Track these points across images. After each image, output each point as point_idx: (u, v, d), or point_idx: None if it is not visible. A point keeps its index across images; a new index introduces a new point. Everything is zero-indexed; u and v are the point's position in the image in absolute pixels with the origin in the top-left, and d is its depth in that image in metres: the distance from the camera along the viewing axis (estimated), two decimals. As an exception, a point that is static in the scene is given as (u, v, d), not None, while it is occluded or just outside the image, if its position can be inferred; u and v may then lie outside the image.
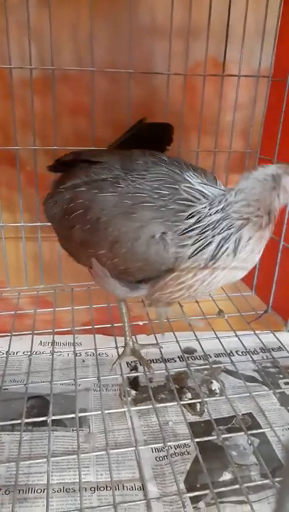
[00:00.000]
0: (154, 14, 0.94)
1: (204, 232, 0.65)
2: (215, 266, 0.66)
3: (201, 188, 0.69)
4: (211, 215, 0.66)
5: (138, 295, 0.74)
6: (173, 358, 0.98)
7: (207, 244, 0.65)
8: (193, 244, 0.65)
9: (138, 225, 0.66)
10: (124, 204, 0.67)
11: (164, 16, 0.93)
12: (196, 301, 1.07)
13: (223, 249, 0.65)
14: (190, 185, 0.69)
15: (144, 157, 0.75)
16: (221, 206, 0.66)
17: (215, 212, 0.66)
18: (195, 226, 0.65)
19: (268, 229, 0.68)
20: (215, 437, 0.73)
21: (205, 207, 0.67)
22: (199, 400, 0.82)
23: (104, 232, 0.68)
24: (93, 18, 0.87)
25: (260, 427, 0.79)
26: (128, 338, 0.91)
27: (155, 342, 0.95)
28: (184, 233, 0.65)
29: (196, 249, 0.65)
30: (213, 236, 0.65)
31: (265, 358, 0.99)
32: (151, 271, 0.68)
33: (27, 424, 0.77)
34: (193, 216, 0.66)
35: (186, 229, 0.65)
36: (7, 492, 0.66)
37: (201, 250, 0.65)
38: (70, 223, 0.75)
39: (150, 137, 0.88)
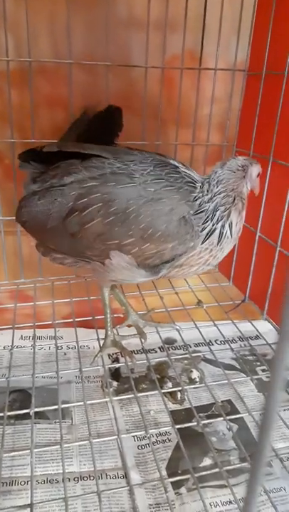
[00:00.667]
0: (132, 7, 0.94)
1: (206, 222, 0.76)
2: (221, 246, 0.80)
3: (190, 173, 0.79)
4: (206, 202, 0.76)
5: (156, 277, 0.80)
6: (154, 349, 0.99)
7: (213, 231, 0.77)
8: (203, 223, 0.76)
9: (169, 208, 0.73)
10: (149, 192, 0.73)
11: (141, 8, 0.93)
12: (176, 293, 1.09)
13: (224, 233, 0.78)
14: (184, 170, 0.78)
15: (129, 149, 0.81)
16: (209, 196, 0.77)
17: (208, 201, 0.77)
18: (201, 209, 0.76)
19: (244, 211, 0.82)
20: (195, 424, 0.75)
21: (200, 191, 0.77)
22: (180, 389, 0.84)
23: (136, 221, 0.72)
24: (70, 10, 0.87)
25: (239, 413, 0.81)
26: (109, 329, 0.92)
27: (136, 332, 0.96)
28: (196, 214, 0.75)
29: (208, 231, 0.77)
30: (213, 225, 0.77)
31: (242, 346, 1.01)
32: (182, 249, 0.76)
33: (9, 417, 0.77)
34: (197, 198, 0.76)
35: (197, 210, 0.75)
36: (-9, 485, 0.67)
37: (211, 234, 0.77)
38: (81, 220, 0.74)
39: (100, 126, 0.88)
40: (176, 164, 0.79)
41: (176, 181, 0.76)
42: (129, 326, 0.99)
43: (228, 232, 0.79)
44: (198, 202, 0.76)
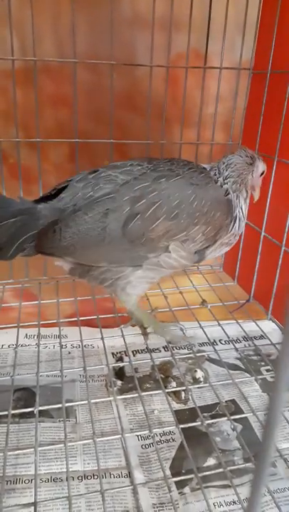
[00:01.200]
0: (136, 6, 0.94)
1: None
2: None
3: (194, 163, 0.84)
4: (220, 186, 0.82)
5: (203, 260, 0.84)
6: (158, 348, 0.99)
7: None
8: None
9: (216, 191, 0.79)
10: (195, 180, 0.76)
11: (145, 7, 0.93)
12: (180, 292, 1.09)
13: (241, 215, 0.85)
14: (186, 160, 0.83)
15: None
16: (220, 180, 0.82)
17: (221, 185, 0.82)
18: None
19: (248, 199, 0.87)
20: (199, 424, 0.74)
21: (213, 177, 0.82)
22: (184, 388, 0.84)
23: (199, 207, 0.75)
24: (75, 10, 0.87)
25: (243, 413, 0.81)
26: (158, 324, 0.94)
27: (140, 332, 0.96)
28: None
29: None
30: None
31: (247, 346, 1.01)
32: (228, 228, 0.82)
33: (14, 415, 0.77)
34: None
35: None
36: (-5, 483, 0.67)
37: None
38: (145, 222, 0.73)
39: None
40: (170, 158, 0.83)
41: (199, 168, 0.80)
42: (133, 325, 0.99)
43: (242, 214, 0.84)
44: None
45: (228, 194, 0.82)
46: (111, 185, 0.74)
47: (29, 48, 0.90)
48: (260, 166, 0.84)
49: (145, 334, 0.95)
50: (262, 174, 0.86)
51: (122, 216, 0.72)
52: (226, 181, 0.82)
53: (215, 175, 0.82)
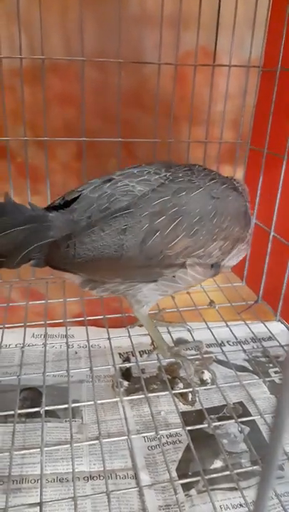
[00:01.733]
0: (144, 3, 0.94)
1: None
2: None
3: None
4: None
5: (215, 274, 0.81)
6: (165, 349, 0.98)
7: None
8: None
9: (237, 203, 0.77)
10: (215, 192, 0.74)
11: (154, 5, 0.92)
12: (188, 292, 1.08)
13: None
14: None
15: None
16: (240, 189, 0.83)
17: None
18: None
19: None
20: (206, 426, 0.74)
21: None
22: (191, 390, 0.83)
23: (219, 223, 0.73)
24: (83, 7, 0.86)
25: (251, 415, 0.80)
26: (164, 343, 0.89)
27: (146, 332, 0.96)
28: None
29: None
30: None
31: (255, 347, 1.00)
32: (245, 238, 0.82)
33: (20, 415, 0.77)
34: None
35: None
36: (1, 483, 0.67)
37: None
38: (164, 240, 0.69)
39: None
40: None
41: (221, 178, 0.78)
42: (140, 325, 0.99)
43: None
44: None
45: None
46: (128, 197, 0.70)
47: (37, 46, 0.89)
48: None
49: (154, 348, 0.94)
50: None
51: (141, 233, 0.68)
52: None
53: (238, 182, 0.82)
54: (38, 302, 1.05)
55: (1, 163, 0.99)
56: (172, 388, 0.83)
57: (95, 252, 0.69)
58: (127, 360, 0.95)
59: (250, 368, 0.93)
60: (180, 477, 0.69)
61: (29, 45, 0.91)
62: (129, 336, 0.94)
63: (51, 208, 0.75)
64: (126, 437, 0.73)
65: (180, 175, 0.74)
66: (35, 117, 0.96)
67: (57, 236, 0.70)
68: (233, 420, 0.75)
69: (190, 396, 0.84)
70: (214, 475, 0.67)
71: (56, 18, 0.91)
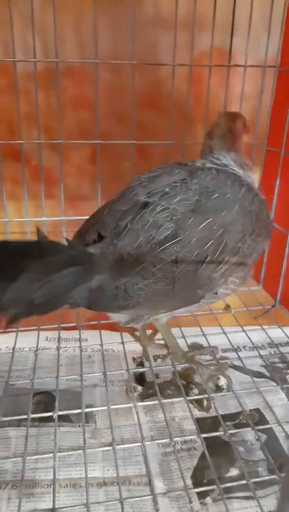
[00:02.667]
0: (159, 4, 0.93)
1: None
2: None
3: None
4: None
5: (246, 278, 0.78)
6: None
7: None
8: None
9: (262, 203, 0.76)
10: (251, 201, 0.72)
11: (168, 6, 0.91)
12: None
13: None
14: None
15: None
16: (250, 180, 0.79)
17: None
18: None
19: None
20: (222, 433, 0.72)
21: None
22: (206, 396, 0.82)
23: (256, 237, 0.72)
24: (97, 10, 0.86)
25: (268, 423, 0.78)
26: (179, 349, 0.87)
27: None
28: None
29: None
30: None
31: (272, 353, 0.98)
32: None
33: (33, 419, 0.77)
34: None
35: None
36: (14, 487, 0.67)
37: None
38: (213, 265, 0.67)
39: None
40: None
41: (240, 180, 0.75)
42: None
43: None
44: None
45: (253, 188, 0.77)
46: (172, 223, 0.65)
47: (51, 49, 0.89)
48: (238, 123, 0.82)
49: (169, 353, 0.92)
50: (244, 126, 0.84)
51: (192, 262, 0.66)
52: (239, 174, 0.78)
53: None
54: (52, 305, 1.05)
55: (16, 166, 0.99)
56: (187, 394, 0.81)
57: (147, 290, 0.65)
58: (140, 364, 0.94)
59: (267, 374, 0.91)
60: (195, 485, 0.68)
61: (43, 49, 0.91)
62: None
63: (82, 237, 0.69)
64: (140, 443, 0.72)
65: (210, 188, 0.70)
66: (49, 120, 0.96)
67: (103, 278, 0.64)
68: (250, 427, 0.74)
69: (205, 402, 0.82)
70: (230, 483, 0.65)
71: (70, 21, 0.92)
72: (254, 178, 0.82)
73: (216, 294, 0.73)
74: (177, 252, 0.64)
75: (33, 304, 0.58)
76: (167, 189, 0.69)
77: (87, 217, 1.04)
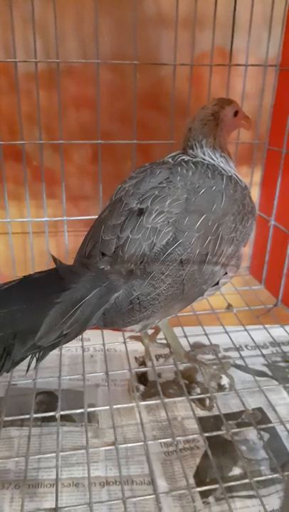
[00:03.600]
0: (159, 4, 0.93)
1: None
2: None
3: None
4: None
5: (239, 262, 0.79)
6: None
7: None
8: None
9: (244, 190, 0.77)
10: (237, 193, 0.74)
11: (169, 6, 0.91)
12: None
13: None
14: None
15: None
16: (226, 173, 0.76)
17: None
18: None
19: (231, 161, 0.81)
20: (224, 432, 0.72)
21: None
22: (208, 395, 0.82)
23: (247, 220, 0.74)
24: (97, 10, 0.86)
25: (270, 422, 0.78)
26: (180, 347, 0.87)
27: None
28: None
29: None
30: None
31: (274, 352, 0.98)
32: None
33: (36, 419, 0.77)
34: None
35: None
36: (17, 487, 0.67)
37: None
38: (214, 259, 0.69)
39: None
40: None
41: (218, 171, 0.75)
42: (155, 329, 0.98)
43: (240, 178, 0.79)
44: None
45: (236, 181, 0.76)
46: (170, 226, 0.66)
47: (52, 50, 0.90)
48: (229, 113, 0.79)
49: (171, 353, 0.92)
50: (235, 114, 0.80)
51: (195, 261, 0.66)
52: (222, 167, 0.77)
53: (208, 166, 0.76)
54: (54, 305, 1.05)
55: (17, 166, 0.99)
56: (189, 393, 0.81)
57: (159, 299, 0.65)
58: (143, 364, 0.94)
59: (270, 373, 0.91)
60: (198, 484, 0.68)
61: (44, 49, 0.91)
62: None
63: (88, 252, 0.69)
64: (142, 443, 0.72)
65: (195, 183, 0.71)
66: (50, 121, 0.96)
67: (118, 295, 0.64)
68: (252, 426, 0.74)
69: (207, 401, 0.82)
70: (233, 482, 0.65)
71: (71, 21, 0.92)
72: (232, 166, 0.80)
73: (218, 284, 0.74)
74: (180, 254, 0.65)
75: (63, 334, 0.60)
76: (156, 192, 0.69)
77: (89, 217, 1.06)
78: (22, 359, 0.58)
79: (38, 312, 0.58)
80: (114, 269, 0.65)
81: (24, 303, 0.58)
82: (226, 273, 0.75)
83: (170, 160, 0.78)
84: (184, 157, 0.78)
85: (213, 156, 0.78)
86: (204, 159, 0.77)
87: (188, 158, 0.77)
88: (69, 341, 0.62)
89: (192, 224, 0.66)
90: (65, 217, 1.04)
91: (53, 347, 0.60)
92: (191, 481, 0.68)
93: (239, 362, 0.93)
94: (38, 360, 0.60)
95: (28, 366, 0.60)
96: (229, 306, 1.05)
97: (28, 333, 0.57)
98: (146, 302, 0.64)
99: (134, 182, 0.72)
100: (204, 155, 0.77)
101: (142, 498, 0.65)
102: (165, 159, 0.79)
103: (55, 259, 0.63)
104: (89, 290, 0.61)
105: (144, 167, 0.76)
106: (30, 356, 0.59)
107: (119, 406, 0.80)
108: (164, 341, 0.91)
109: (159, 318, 0.71)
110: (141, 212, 0.67)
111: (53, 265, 0.63)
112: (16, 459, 0.71)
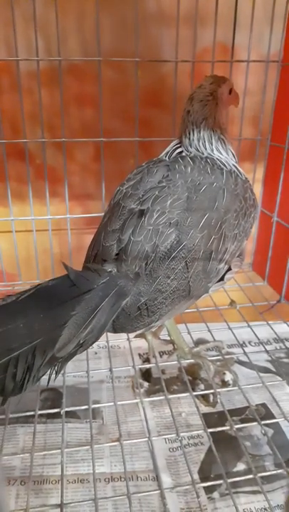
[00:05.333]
0: (160, 1, 0.93)
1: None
2: None
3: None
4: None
5: (242, 256, 0.79)
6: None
7: None
8: None
9: (250, 191, 0.77)
10: (237, 186, 0.73)
11: (170, 2, 0.91)
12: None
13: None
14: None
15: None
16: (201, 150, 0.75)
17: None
18: None
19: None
20: (228, 428, 0.72)
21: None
22: (212, 391, 0.82)
23: (249, 214, 0.74)
24: (99, 7, 0.86)
25: (274, 417, 0.78)
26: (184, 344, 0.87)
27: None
28: None
29: None
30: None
31: (278, 348, 0.98)
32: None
33: (41, 416, 0.77)
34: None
35: None
36: (22, 483, 0.67)
37: None
38: (218, 256, 0.68)
39: None
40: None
41: (218, 166, 0.74)
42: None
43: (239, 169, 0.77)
44: None
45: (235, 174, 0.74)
46: (172, 227, 0.65)
47: (54, 48, 0.90)
48: (225, 91, 0.76)
49: (174, 349, 0.92)
50: (230, 92, 0.79)
51: (200, 261, 0.66)
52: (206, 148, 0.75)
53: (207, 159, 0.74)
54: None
55: (20, 165, 1.00)
56: (193, 389, 0.81)
57: (166, 302, 0.66)
58: (146, 360, 0.94)
59: (273, 369, 0.91)
60: (202, 480, 0.68)
61: (46, 48, 0.92)
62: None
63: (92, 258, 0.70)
64: (147, 439, 0.72)
65: (196, 181, 0.70)
66: (52, 119, 0.97)
67: (126, 301, 0.64)
68: (256, 422, 0.74)
69: (211, 397, 0.82)
70: (237, 478, 0.65)
71: (72, 19, 0.92)
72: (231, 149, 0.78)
73: (223, 280, 0.74)
74: (185, 257, 0.65)
75: (80, 344, 0.61)
76: (156, 192, 0.68)
77: (92, 215, 1.06)
78: (44, 374, 0.58)
79: (56, 323, 0.58)
80: (121, 272, 0.65)
81: (41, 313, 0.58)
82: (230, 268, 0.75)
83: (165, 157, 0.77)
84: (180, 150, 0.76)
85: (209, 144, 0.75)
86: (198, 149, 0.75)
87: (185, 152, 0.76)
88: (85, 350, 0.63)
89: (195, 225, 0.66)
90: (68, 215, 1.04)
91: (70, 357, 0.61)
92: (196, 476, 0.69)
93: (243, 358, 0.93)
94: (58, 372, 0.60)
95: (49, 378, 0.60)
96: (232, 303, 1.06)
97: (48, 344, 0.57)
98: (154, 307, 0.65)
99: (131, 183, 0.72)
100: (199, 142, 0.75)
101: (147, 493, 0.65)
102: (160, 157, 0.78)
103: (66, 267, 0.63)
104: (102, 298, 0.62)
105: (141, 167, 0.75)
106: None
107: (123, 402, 0.80)
108: (168, 338, 0.91)
109: (167, 319, 0.72)
110: (142, 213, 0.67)
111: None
112: (22, 455, 0.71)
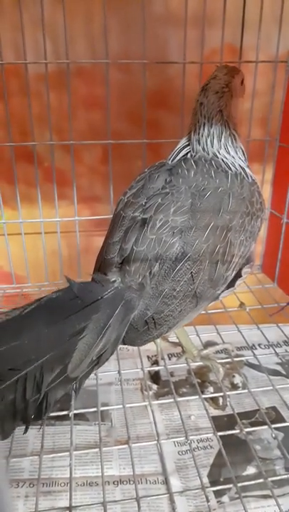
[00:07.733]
0: (168, 2, 0.93)
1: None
2: None
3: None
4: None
5: (251, 260, 0.77)
6: (194, 352, 0.96)
7: None
8: None
9: (258, 194, 0.74)
10: (244, 190, 0.71)
11: (178, 3, 0.91)
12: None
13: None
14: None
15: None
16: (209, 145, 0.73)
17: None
18: None
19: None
20: (238, 431, 0.72)
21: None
22: (221, 394, 0.81)
23: (256, 219, 0.72)
24: (106, 10, 0.86)
25: (285, 421, 0.77)
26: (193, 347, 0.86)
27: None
28: None
29: None
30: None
31: (288, 350, 0.97)
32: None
33: (50, 418, 0.77)
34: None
35: None
36: (31, 485, 0.67)
37: None
38: (225, 266, 0.67)
39: None
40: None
41: (223, 170, 0.71)
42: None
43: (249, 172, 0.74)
44: None
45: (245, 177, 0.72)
46: (175, 237, 0.64)
47: (62, 51, 0.90)
48: (238, 81, 0.73)
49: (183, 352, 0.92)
50: (242, 83, 0.76)
51: (206, 272, 0.65)
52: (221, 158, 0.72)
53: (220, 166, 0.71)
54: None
55: (29, 167, 1.00)
56: (202, 392, 0.81)
57: (174, 314, 0.65)
58: (155, 363, 0.94)
59: (284, 372, 0.90)
60: (212, 483, 0.67)
61: (54, 50, 0.92)
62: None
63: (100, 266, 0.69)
64: (156, 442, 0.72)
65: (200, 186, 0.68)
66: (61, 121, 0.97)
67: (134, 317, 0.64)
68: (266, 426, 0.73)
69: (221, 400, 0.82)
70: (247, 482, 0.64)
71: (80, 22, 0.92)
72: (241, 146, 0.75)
73: (233, 286, 0.74)
74: (190, 268, 0.64)
75: (95, 362, 0.61)
76: (159, 199, 0.66)
77: (100, 217, 1.06)
78: (63, 396, 0.60)
79: (65, 339, 0.58)
80: (125, 284, 0.64)
81: (47, 327, 0.59)
82: (241, 275, 0.74)
83: (168, 161, 0.74)
84: (185, 151, 0.74)
85: (217, 142, 0.72)
86: (205, 148, 0.72)
87: (191, 152, 0.73)
88: (102, 365, 0.63)
89: (199, 235, 0.64)
90: (76, 218, 1.04)
91: (87, 375, 0.61)
92: (205, 480, 0.68)
93: (252, 361, 0.92)
94: (77, 391, 0.61)
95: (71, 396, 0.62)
96: (242, 305, 1.05)
97: (59, 364, 0.58)
98: (161, 319, 0.65)
99: (133, 191, 0.70)
100: (208, 139, 0.72)
101: (156, 497, 0.65)
102: (163, 161, 0.75)
103: (68, 279, 0.63)
104: (109, 315, 0.61)
105: (143, 173, 0.74)
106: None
107: (132, 405, 0.80)
108: (176, 340, 0.90)
109: (177, 328, 0.71)
110: (144, 222, 0.65)
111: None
112: (30, 457, 0.71)
